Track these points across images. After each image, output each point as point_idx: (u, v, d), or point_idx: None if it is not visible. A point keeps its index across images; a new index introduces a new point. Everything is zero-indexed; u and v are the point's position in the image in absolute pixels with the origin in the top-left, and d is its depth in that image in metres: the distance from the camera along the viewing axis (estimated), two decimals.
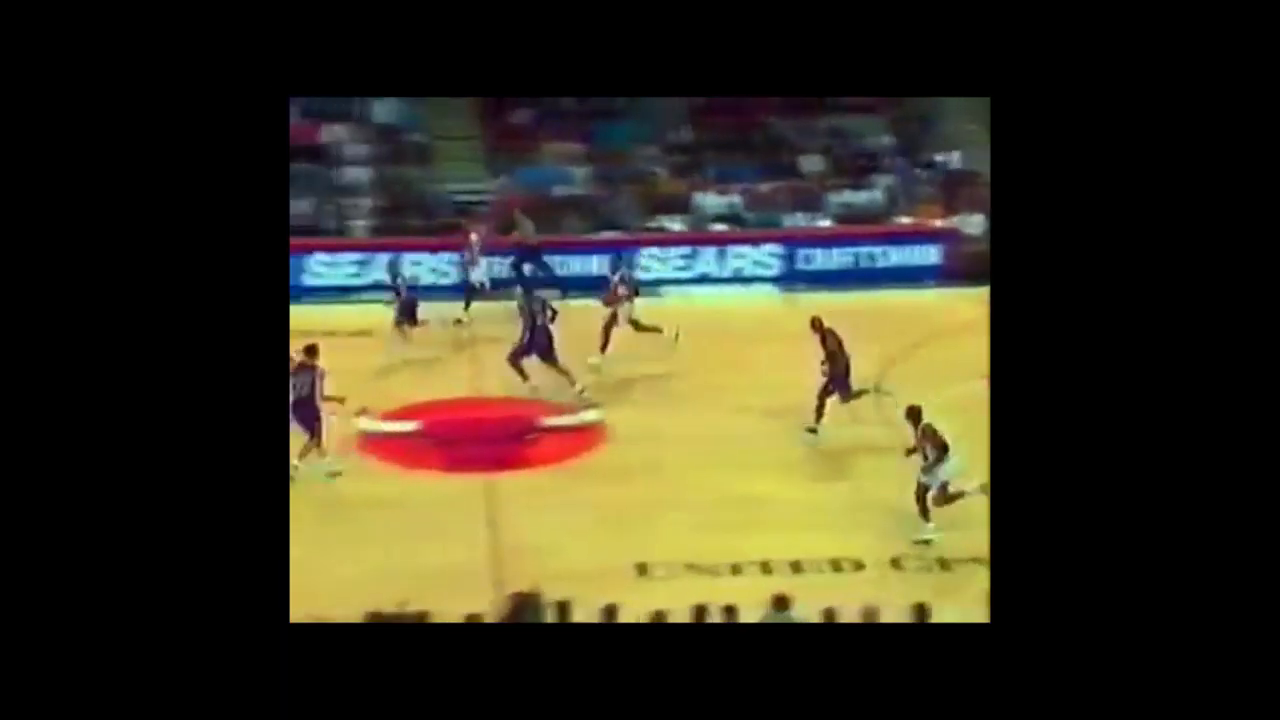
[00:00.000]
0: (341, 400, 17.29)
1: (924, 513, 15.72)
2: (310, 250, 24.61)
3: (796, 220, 26.36)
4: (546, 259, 24.39)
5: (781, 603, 11.90)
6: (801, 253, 25.47)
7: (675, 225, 26.17)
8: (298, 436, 16.60)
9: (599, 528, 16.05)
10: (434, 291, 22.97)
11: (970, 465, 15.40)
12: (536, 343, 19.49)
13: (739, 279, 25.29)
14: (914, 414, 15.88)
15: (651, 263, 25.01)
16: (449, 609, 11.36)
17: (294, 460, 16.49)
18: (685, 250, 25.41)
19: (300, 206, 26.07)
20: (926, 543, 15.57)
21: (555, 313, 19.66)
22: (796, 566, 15.10)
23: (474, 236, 23.45)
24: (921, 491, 15.73)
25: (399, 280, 21.77)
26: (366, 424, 18.74)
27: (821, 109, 27.33)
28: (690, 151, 27.42)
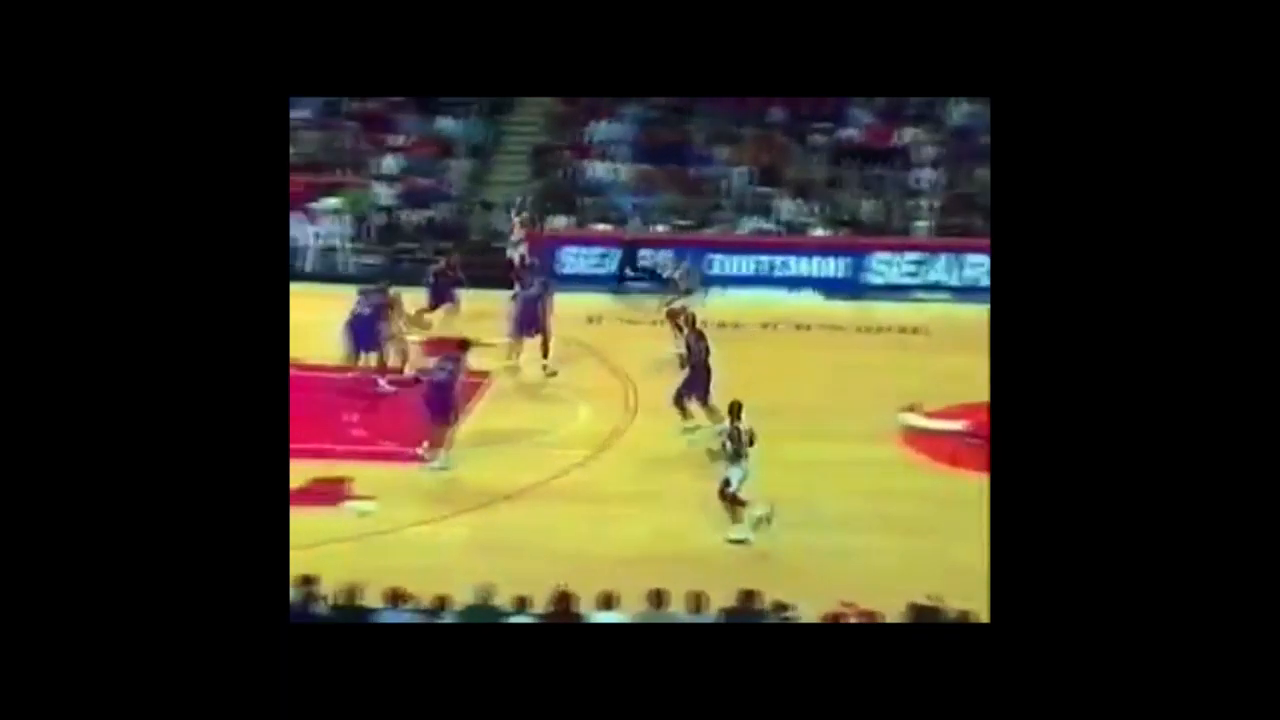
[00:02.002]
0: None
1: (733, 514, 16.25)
2: (872, 250, 25.44)
3: None
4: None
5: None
6: None
7: None
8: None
9: None
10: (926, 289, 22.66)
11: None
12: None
13: None
14: (735, 410, 16.47)
15: None
16: (950, 605, 11.78)
17: (425, 446, 17.68)
18: None
19: (867, 207, 27.11)
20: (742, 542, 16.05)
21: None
22: None
23: (517, 219, 24.79)
24: (724, 487, 16.26)
25: (439, 277, 22.43)
26: (914, 420, 19.37)
27: None
28: None
